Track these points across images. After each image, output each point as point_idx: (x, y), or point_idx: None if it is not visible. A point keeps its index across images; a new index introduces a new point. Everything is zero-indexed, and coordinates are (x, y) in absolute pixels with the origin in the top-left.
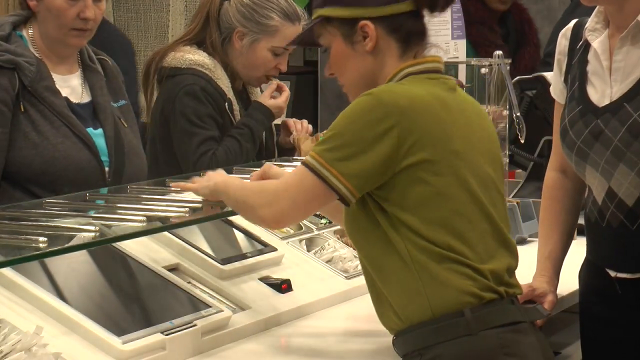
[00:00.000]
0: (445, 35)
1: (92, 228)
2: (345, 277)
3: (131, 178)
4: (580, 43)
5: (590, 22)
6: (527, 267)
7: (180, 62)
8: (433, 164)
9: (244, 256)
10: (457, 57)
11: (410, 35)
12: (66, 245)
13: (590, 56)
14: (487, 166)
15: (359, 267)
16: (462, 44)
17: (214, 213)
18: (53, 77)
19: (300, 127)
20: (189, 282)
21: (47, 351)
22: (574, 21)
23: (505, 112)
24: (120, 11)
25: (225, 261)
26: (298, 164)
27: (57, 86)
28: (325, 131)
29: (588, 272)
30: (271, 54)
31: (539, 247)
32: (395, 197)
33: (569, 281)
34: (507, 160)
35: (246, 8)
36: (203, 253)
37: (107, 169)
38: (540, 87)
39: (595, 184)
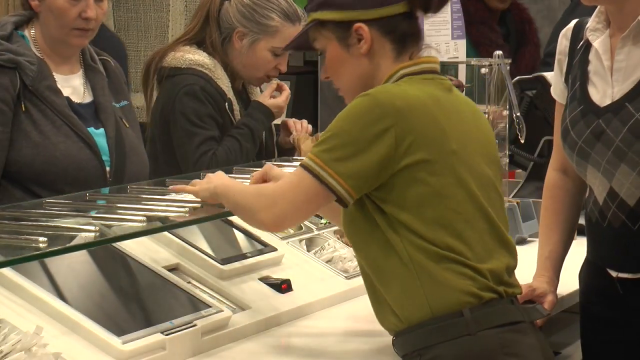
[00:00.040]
0: (445, 35)
1: (92, 228)
2: (345, 277)
3: (132, 178)
4: (581, 43)
5: (592, 22)
6: (527, 267)
7: (180, 62)
8: (431, 164)
9: (244, 256)
10: (457, 57)
11: (404, 36)
12: (66, 245)
13: (591, 56)
14: (485, 165)
15: (359, 268)
16: (462, 44)
17: (214, 213)
18: (55, 77)
19: (300, 127)
20: (189, 282)
21: (47, 351)
22: (574, 21)
23: (505, 112)
24: (120, 11)
25: (225, 261)
26: (298, 164)
27: (59, 86)
28: (323, 132)
29: (588, 272)
30: (271, 54)
31: (539, 247)
32: (393, 198)
33: (569, 281)
34: (507, 160)
35: (246, 8)
36: (203, 253)
37: (108, 168)
38: (540, 87)
39: (596, 184)
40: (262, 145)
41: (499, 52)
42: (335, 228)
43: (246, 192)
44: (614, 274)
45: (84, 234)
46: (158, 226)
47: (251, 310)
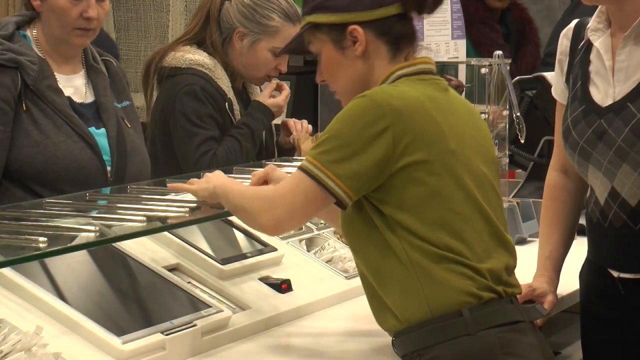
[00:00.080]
0: (445, 35)
1: (92, 228)
2: (345, 277)
3: (133, 178)
4: (582, 43)
5: (593, 21)
6: (527, 267)
7: (180, 62)
8: (428, 164)
9: (244, 256)
10: (457, 57)
11: (399, 38)
12: (66, 245)
13: (592, 56)
14: (482, 165)
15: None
16: (462, 44)
17: (214, 213)
18: (57, 76)
19: (300, 127)
20: (189, 282)
21: (47, 351)
22: (575, 21)
23: (505, 112)
24: (120, 11)
25: (225, 261)
26: (298, 164)
27: (61, 86)
28: (321, 132)
29: (589, 272)
30: (271, 54)
31: (540, 247)
32: (391, 199)
33: (569, 281)
34: (507, 160)
35: (247, 8)
36: (203, 253)
37: (109, 168)
38: (540, 87)
39: (597, 184)
40: (262, 145)
41: (499, 52)
42: None
43: (245, 194)
44: (615, 274)
45: (84, 234)
46: (158, 226)
47: (251, 310)
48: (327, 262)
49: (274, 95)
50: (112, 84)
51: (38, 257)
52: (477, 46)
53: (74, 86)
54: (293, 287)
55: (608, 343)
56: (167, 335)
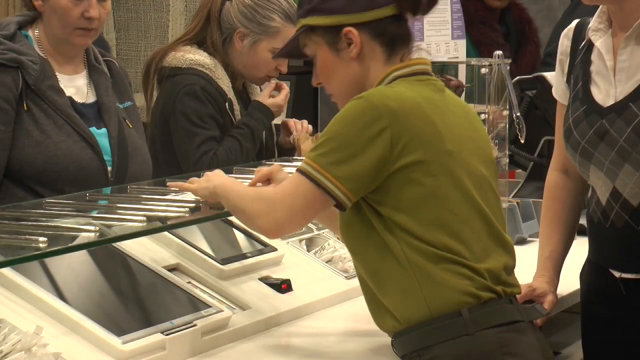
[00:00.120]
0: (445, 35)
1: (92, 228)
2: (345, 277)
3: (134, 178)
4: (583, 43)
5: (594, 22)
6: (527, 267)
7: (181, 62)
8: (426, 164)
9: (244, 256)
10: (457, 57)
11: (394, 39)
12: (66, 245)
13: (593, 56)
14: (480, 165)
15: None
16: (462, 44)
17: (214, 213)
18: (59, 76)
19: (300, 127)
20: (189, 282)
21: (47, 351)
22: (575, 21)
23: (505, 112)
24: (120, 11)
25: (225, 261)
26: (298, 164)
27: (62, 86)
28: (321, 132)
29: (590, 272)
30: (272, 54)
31: (540, 247)
32: (389, 200)
33: (569, 281)
34: (507, 160)
35: (248, 9)
36: (203, 253)
37: (109, 168)
38: (540, 87)
39: (599, 184)
40: (262, 145)
41: (499, 52)
42: None
43: (245, 196)
44: (617, 274)
45: (84, 234)
46: (158, 226)
47: (251, 310)
48: (327, 262)
49: (273, 95)
50: (114, 84)
51: (38, 257)
52: (478, 46)
53: (76, 86)
54: (293, 287)
55: (609, 343)
56: (167, 335)
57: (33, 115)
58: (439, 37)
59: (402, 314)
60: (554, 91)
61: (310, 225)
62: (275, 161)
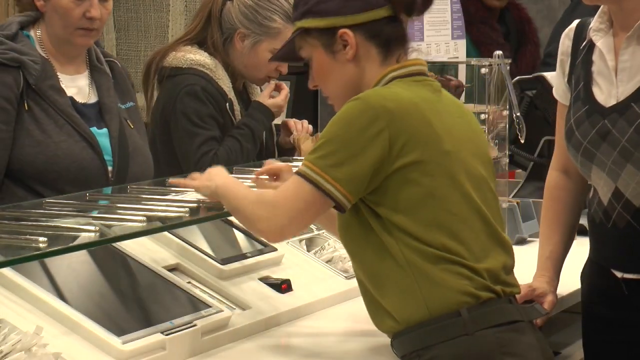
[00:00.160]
0: (445, 35)
1: (92, 228)
2: (345, 277)
3: (135, 178)
4: (584, 43)
5: (595, 22)
6: (527, 267)
7: (181, 62)
8: (424, 164)
9: (244, 256)
10: (457, 57)
11: (390, 40)
12: (66, 245)
13: (595, 56)
14: (478, 165)
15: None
16: (462, 44)
17: (214, 213)
18: (60, 77)
19: (300, 127)
20: (189, 282)
21: (47, 351)
22: (576, 21)
23: (505, 112)
24: (120, 11)
25: (225, 261)
26: (298, 164)
27: (64, 86)
28: (321, 132)
29: (591, 272)
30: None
31: (540, 247)
32: (387, 200)
33: (569, 281)
34: (507, 160)
35: (249, 9)
36: (203, 253)
37: (110, 168)
38: (540, 87)
39: (600, 184)
40: (263, 145)
41: (499, 52)
42: None
43: (246, 199)
44: (619, 274)
45: (84, 234)
46: (158, 226)
47: (251, 310)
48: (327, 262)
49: (273, 96)
50: (116, 84)
51: (38, 257)
52: (478, 45)
53: (77, 86)
54: (293, 287)
55: (610, 343)
56: (167, 335)
57: (34, 115)
58: (439, 37)
59: (401, 315)
60: (554, 91)
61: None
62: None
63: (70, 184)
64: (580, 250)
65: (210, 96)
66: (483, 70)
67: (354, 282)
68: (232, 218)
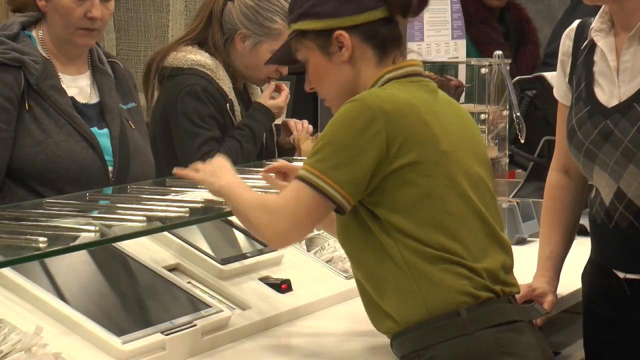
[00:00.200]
0: (445, 35)
1: (92, 228)
2: (345, 277)
3: (136, 179)
4: (585, 43)
5: (596, 22)
6: (527, 267)
7: (182, 62)
8: (421, 165)
9: (244, 256)
10: (457, 57)
11: (385, 41)
12: (66, 245)
13: (596, 56)
14: (476, 165)
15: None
16: (462, 44)
17: (214, 213)
18: (62, 77)
19: (300, 127)
20: (189, 282)
21: (47, 351)
22: (577, 21)
23: (505, 112)
24: (120, 11)
25: (225, 261)
26: (298, 164)
27: (65, 86)
28: (321, 132)
29: (593, 273)
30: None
31: (540, 247)
32: (385, 201)
33: (569, 281)
34: (507, 160)
35: (250, 10)
36: (203, 253)
37: (110, 168)
38: (540, 87)
39: (602, 184)
40: (263, 145)
41: (499, 52)
42: None
43: (249, 203)
44: (621, 275)
45: (84, 234)
46: (158, 226)
47: (251, 310)
48: (327, 262)
49: (274, 97)
50: (118, 85)
51: (38, 257)
52: (478, 45)
53: (79, 87)
54: (293, 287)
55: (611, 344)
56: (167, 335)
57: (34, 115)
58: (439, 37)
59: (401, 315)
60: (555, 92)
61: None
62: (275, 161)
63: (71, 184)
64: (581, 250)
65: (211, 96)
66: (483, 70)
67: (354, 282)
68: (232, 218)
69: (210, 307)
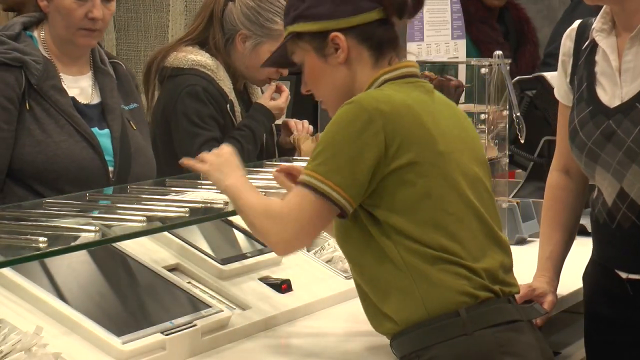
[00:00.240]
0: (445, 35)
1: (92, 228)
2: (345, 277)
3: (137, 179)
4: (587, 43)
5: (597, 22)
6: (527, 267)
7: (183, 63)
8: (419, 165)
9: (244, 256)
10: (457, 57)
11: (381, 43)
12: (66, 245)
13: (598, 57)
14: (474, 165)
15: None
16: (462, 44)
17: (214, 213)
18: (63, 77)
19: (301, 127)
20: (189, 282)
21: (47, 351)
22: (578, 22)
23: (505, 112)
24: (120, 11)
25: (225, 261)
26: (297, 164)
27: (66, 86)
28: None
29: (594, 273)
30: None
31: (540, 247)
32: (384, 202)
33: (569, 281)
34: (507, 160)
35: (251, 11)
36: (203, 253)
37: (111, 169)
38: (540, 87)
39: (605, 185)
40: (263, 146)
41: (498, 52)
42: None
43: (255, 207)
44: (623, 275)
45: (84, 234)
46: (158, 226)
47: (251, 310)
48: (327, 262)
49: (274, 98)
50: (120, 86)
51: (38, 257)
52: (478, 45)
53: (80, 87)
54: (293, 287)
55: (613, 344)
56: (167, 335)
57: (35, 115)
58: (439, 37)
59: (400, 316)
60: (556, 92)
61: None
62: (275, 161)
63: (71, 184)
64: (581, 250)
65: (211, 97)
66: (483, 70)
67: (353, 282)
68: (232, 218)
69: (210, 307)
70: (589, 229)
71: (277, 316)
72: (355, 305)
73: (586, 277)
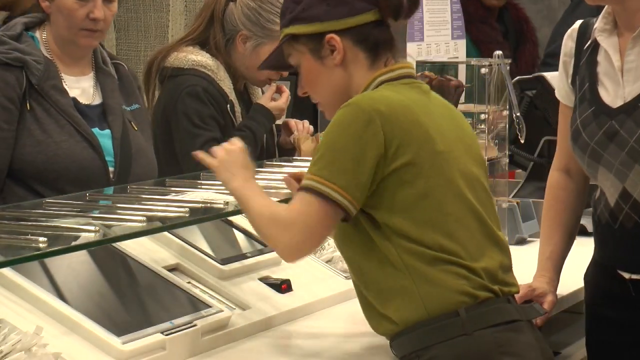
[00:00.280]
0: (445, 35)
1: (92, 228)
2: (345, 277)
3: (138, 180)
4: (588, 44)
5: (599, 22)
6: (527, 267)
7: (183, 63)
8: (417, 166)
9: (244, 256)
10: (457, 57)
11: (377, 44)
12: (66, 245)
13: (600, 57)
14: (472, 165)
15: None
16: (462, 44)
17: (214, 213)
18: (65, 78)
19: (301, 127)
20: (189, 282)
21: (47, 351)
22: (579, 22)
23: (505, 112)
24: (120, 11)
25: (225, 261)
26: (298, 164)
27: (68, 87)
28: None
29: (596, 273)
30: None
31: (540, 247)
32: (384, 203)
33: (569, 281)
34: (507, 160)
35: (252, 11)
36: (203, 253)
37: (111, 169)
38: (540, 87)
39: (607, 185)
40: (263, 146)
41: (498, 52)
42: None
43: (262, 212)
44: (626, 275)
45: (84, 234)
46: (158, 226)
47: (251, 310)
48: (327, 262)
49: (275, 98)
50: (122, 86)
51: (38, 257)
52: (478, 44)
53: (82, 88)
54: (293, 287)
55: (615, 344)
56: (167, 335)
57: (35, 115)
58: (439, 37)
59: (400, 317)
60: (557, 92)
61: None
62: (275, 161)
63: (71, 184)
64: (581, 250)
65: (212, 97)
66: (483, 70)
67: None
68: (232, 218)
69: (210, 307)
70: (590, 229)
71: (277, 316)
72: (355, 305)
73: (587, 278)
